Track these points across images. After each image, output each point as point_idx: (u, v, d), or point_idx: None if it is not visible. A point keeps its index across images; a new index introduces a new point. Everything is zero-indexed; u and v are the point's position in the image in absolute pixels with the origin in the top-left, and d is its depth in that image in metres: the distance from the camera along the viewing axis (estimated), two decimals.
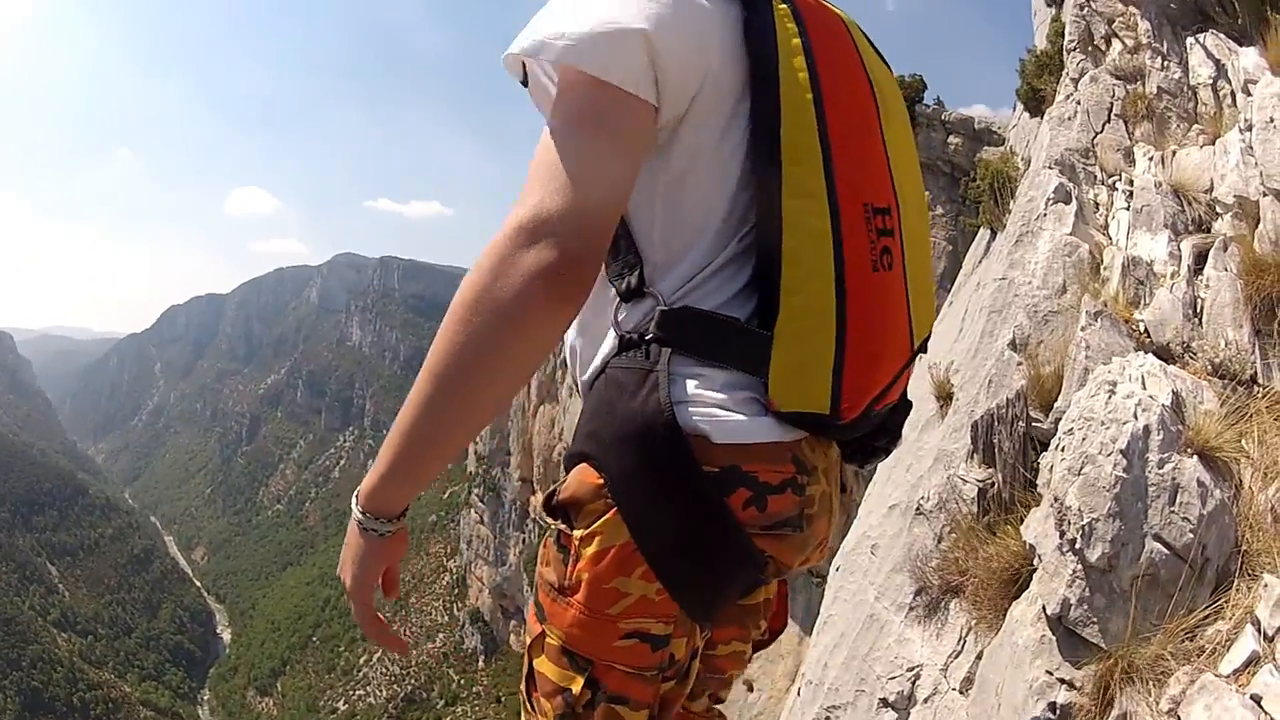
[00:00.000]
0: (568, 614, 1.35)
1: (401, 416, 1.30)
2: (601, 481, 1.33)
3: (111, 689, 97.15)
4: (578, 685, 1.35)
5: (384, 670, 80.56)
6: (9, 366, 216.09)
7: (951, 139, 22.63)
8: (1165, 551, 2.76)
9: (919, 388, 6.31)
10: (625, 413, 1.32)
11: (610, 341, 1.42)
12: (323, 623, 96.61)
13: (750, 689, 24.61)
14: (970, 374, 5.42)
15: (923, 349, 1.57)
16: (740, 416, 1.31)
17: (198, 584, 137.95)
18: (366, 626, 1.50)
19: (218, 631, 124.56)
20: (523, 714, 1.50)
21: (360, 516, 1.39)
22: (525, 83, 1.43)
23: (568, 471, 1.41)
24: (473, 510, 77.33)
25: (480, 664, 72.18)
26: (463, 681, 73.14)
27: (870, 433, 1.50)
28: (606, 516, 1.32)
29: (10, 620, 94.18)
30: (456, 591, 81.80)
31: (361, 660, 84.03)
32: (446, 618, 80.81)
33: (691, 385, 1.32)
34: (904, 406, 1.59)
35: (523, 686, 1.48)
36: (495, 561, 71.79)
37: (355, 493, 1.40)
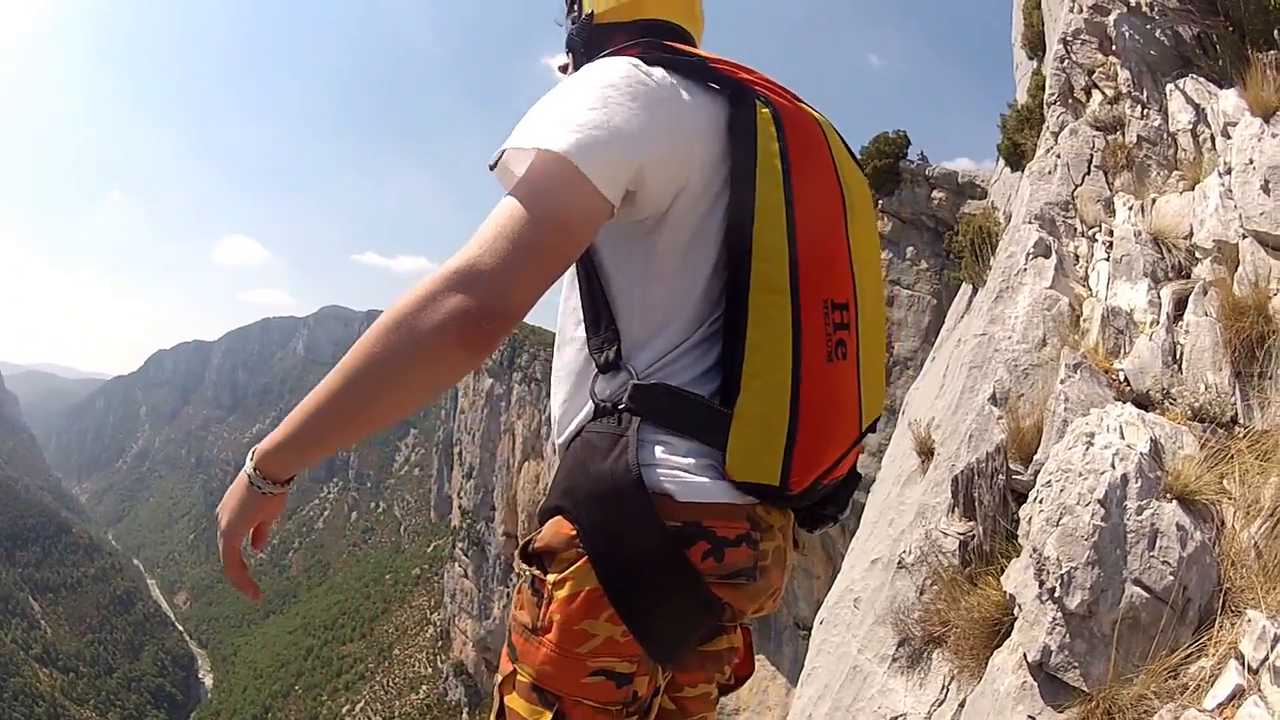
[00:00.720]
0: (540, 652, 1.44)
1: (307, 400, 1.39)
2: (574, 532, 1.44)
3: None
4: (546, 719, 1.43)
5: None
6: None
7: (935, 194, 22.80)
8: (1146, 595, 2.76)
9: (900, 444, 6.32)
10: (597, 472, 1.44)
11: (587, 408, 1.55)
12: (305, 672, 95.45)
13: None
14: (951, 429, 5.44)
15: (871, 429, 1.69)
16: (702, 479, 1.43)
17: (180, 628, 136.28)
18: (229, 565, 1.59)
19: (199, 676, 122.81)
20: None
21: (251, 472, 1.49)
22: (493, 166, 1.53)
23: (542, 524, 1.51)
24: (457, 564, 76.96)
25: (464, 716, 71.31)
26: None
27: (819, 502, 1.63)
28: (578, 564, 1.42)
29: None
30: (440, 644, 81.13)
31: (344, 710, 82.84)
32: (430, 670, 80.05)
33: (658, 450, 1.45)
34: (852, 480, 1.70)
35: None
36: (479, 615, 71.30)
37: (252, 449, 1.50)
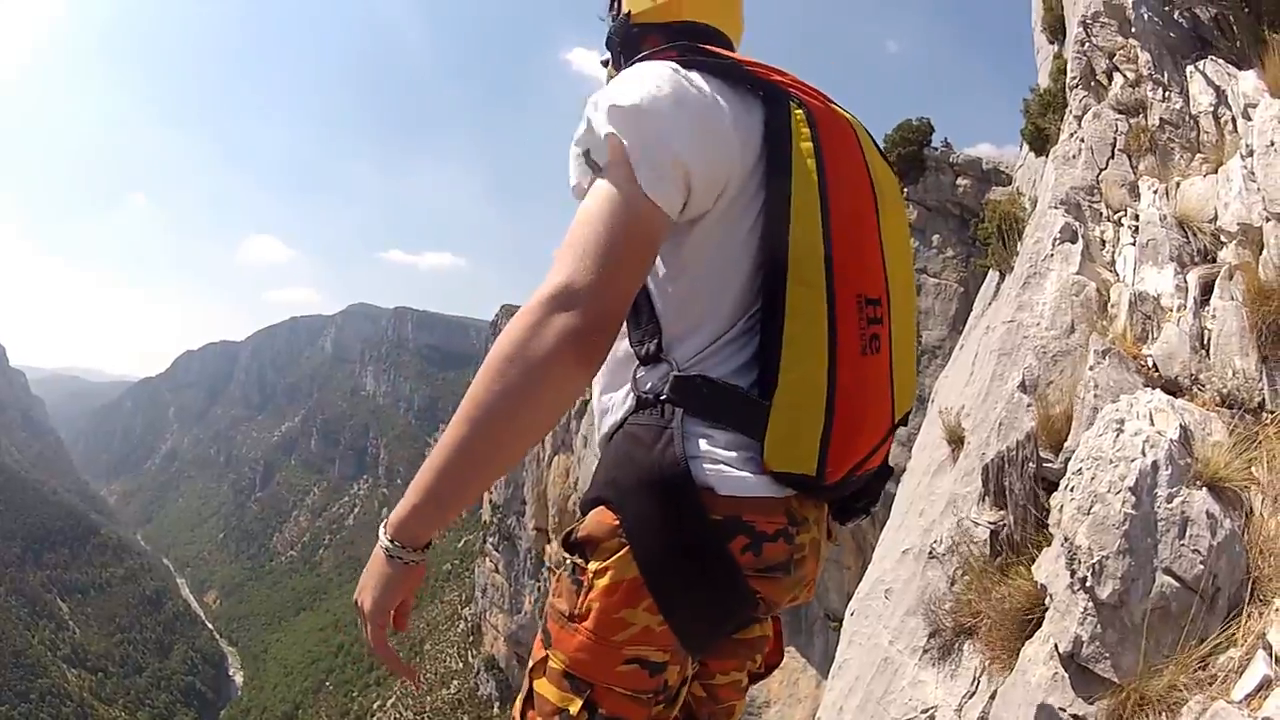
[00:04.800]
0: (575, 639, 1.49)
1: (434, 455, 1.43)
2: (617, 522, 1.49)
3: None
4: (575, 706, 1.48)
5: (398, 716, 79.69)
6: (21, 405, 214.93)
7: (960, 181, 22.69)
8: (1176, 584, 2.74)
9: (930, 433, 6.28)
10: (643, 464, 1.49)
11: (629, 400, 1.61)
12: (336, 668, 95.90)
13: None
14: (981, 417, 5.41)
15: (903, 422, 1.75)
16: (744, 474, 1.48)
17: (210, 626, 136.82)
18: (379, 649, 1.57)
19: (230, 674, 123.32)
20: None
21: (388, 544, 1.50)
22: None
23: (584, 514, 1.56)
24: (488, 559, 76.86)
25: (495, 711, 71.38)
26: None
27: (852, 494, 1.70)
28: (620, 554, 1.48)
29: (20, 654, 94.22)
30: (471, 639, 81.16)
31: (375, 705, 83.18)
32: (461, 665, 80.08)
33: (702, 444, 1.49)
34: (884, 472, 1.77)
35: (518, 705, 1.59)
36: (510, 609, 71.28)
37: (384, 522, 1.52)
